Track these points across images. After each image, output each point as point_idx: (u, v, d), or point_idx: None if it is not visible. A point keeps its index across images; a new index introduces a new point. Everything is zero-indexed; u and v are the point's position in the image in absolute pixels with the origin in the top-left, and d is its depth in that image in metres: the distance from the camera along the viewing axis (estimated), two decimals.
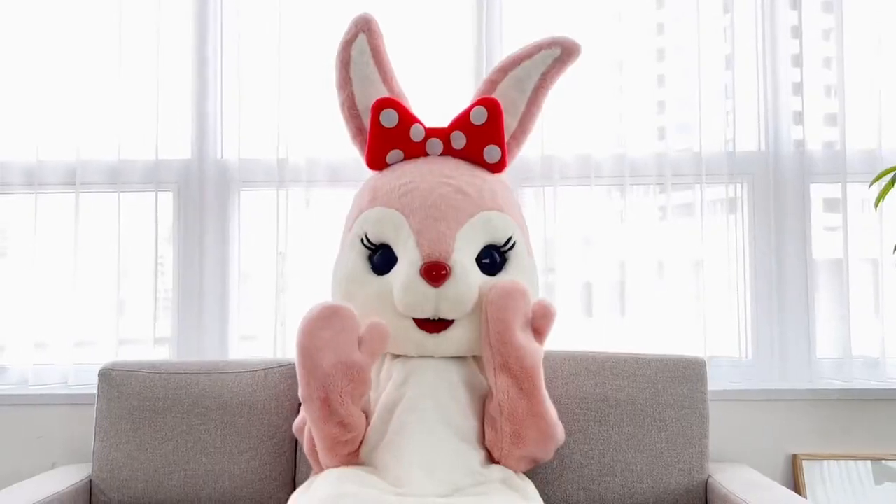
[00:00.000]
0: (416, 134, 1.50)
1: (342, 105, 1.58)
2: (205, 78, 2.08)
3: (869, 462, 1.92)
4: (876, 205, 1.77)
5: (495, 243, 1.45)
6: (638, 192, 2.05)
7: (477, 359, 1.52)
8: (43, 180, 2.05)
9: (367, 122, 1.54)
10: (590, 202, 2.02)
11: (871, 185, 1.82)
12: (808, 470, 1.91)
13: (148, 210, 2.05)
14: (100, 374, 1.76)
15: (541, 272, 1.91)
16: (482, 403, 1.46)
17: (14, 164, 2.07)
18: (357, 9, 1.63)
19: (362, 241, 1.45)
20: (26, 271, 2.05)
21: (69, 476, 1.74)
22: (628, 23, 2.04)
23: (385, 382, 1.48)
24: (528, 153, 2.02)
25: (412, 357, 1.48)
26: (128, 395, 1.73)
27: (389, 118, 1.47)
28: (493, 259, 1.45)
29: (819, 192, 2.06)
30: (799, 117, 2.03)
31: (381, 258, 1.44)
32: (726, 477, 1.67)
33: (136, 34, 2.07)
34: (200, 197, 2.06)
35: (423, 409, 1.41)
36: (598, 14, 2.04)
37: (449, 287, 1.35)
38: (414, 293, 1.36)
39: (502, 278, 1.44)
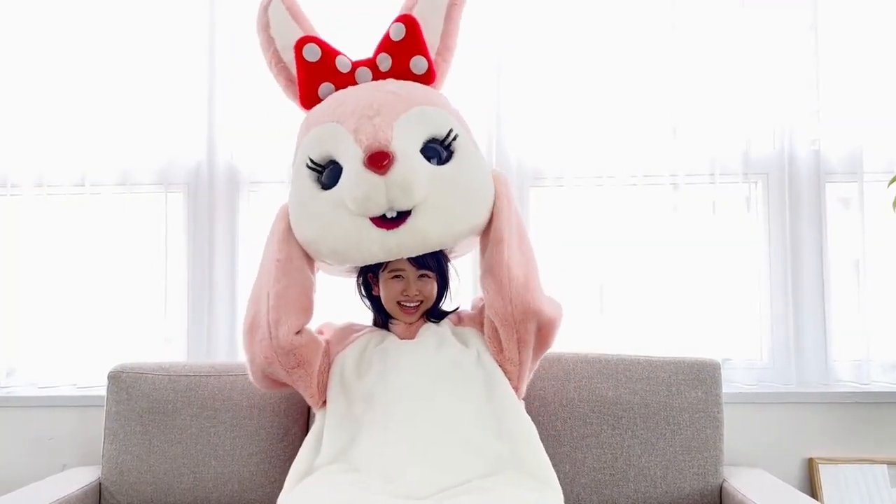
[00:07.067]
0: (343, 65, 1.50)
1: (269, 63, 1.59)
2: (215, 80, 2.07)
3: (885, 466, 1.90)
4: (894, 205, 1.75)
5: (436, 136, 1.42)
6: (651, 192, 2.02)
7: (461, 337, 1.50)
8: (53, 182, 2.06)
9: (294, 70, 1.54)
10: (603, 203, 2.00)
11: (889, 185, 1.80)
12: (825, 474, 1.89)
13: (158, 211, 2.06)
14: (109, 376, 1.76)
15: (553, 272, 1.91)
16: (477, 377, 1.44)
17: (24, 166, 2.06)
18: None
19: (307, 165, 1.44)
20: (36, 273, 2.05)
21: (79, 478, 1.74)
22: (634, 19, 2.02)
23: (366, 370, 1.46)
24: (540, 154, 2.01)
25: (392, 345, 1.49)
26: (137, 397, 1.73)
27: (312, 52, 1.48)
28: (438, 155, 1.42)
29: (835, 192, 2.02)
30: (815, 116, 2.00)
31: (329, 175, 1.42)
32: (741, 481, 1.65)
33: (149, 36, 2.07)
34: (210, 198, 2.05)
35: (409, 398, 1.39)
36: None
37: (396, 172, 1.32)
38: (363, 185, 1.32)
39: (452, 169, 1.41)
